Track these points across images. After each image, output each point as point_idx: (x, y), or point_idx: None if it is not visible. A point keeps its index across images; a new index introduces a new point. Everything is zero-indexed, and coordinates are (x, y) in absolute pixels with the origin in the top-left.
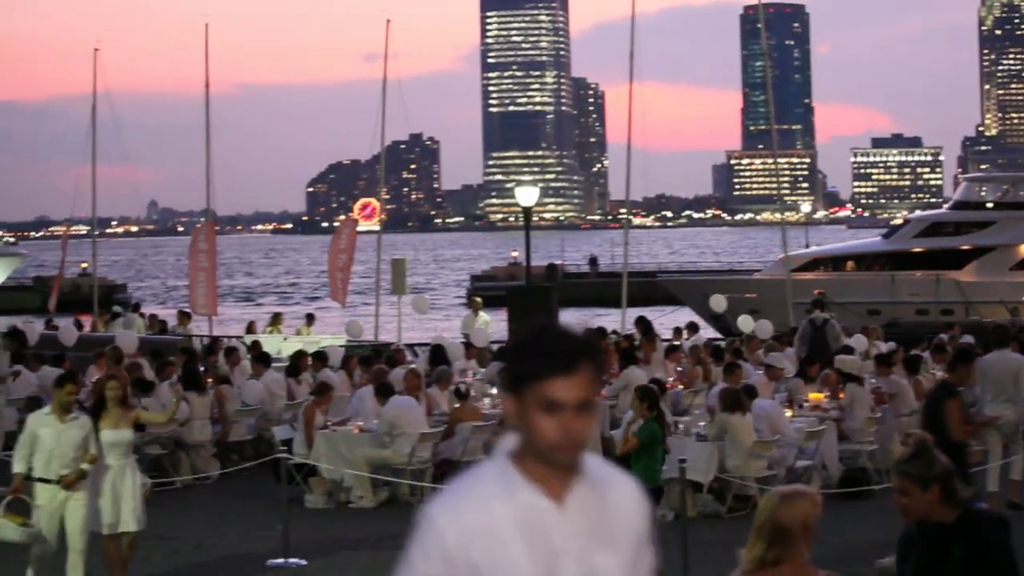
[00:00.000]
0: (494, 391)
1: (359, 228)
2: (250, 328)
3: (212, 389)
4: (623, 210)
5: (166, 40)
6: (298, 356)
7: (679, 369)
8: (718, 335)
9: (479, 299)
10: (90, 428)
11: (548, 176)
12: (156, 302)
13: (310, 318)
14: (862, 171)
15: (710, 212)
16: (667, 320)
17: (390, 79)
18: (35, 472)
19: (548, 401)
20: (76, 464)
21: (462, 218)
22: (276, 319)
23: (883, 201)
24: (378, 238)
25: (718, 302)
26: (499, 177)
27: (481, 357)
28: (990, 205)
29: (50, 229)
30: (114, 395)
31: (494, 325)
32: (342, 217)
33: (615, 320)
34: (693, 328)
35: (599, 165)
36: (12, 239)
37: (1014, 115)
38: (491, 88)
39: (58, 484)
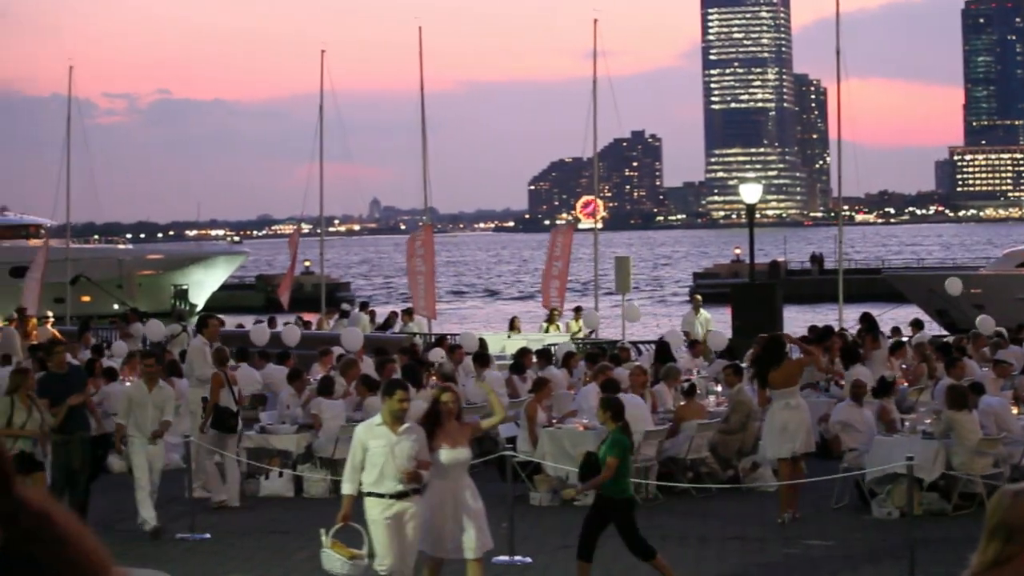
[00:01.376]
0: (719, 388)
1: (581, 226)
2: (513, 324)
3: (435, 387)
4: (845, 207)
5: (389, 39)
6: (522, 353)
7: (904, 366)
8: (943, 331)
9: (699, 297)
10: (424, 439)
11: (770, 173)
12: (381, 301)
13: (578, 311)
14: None
15: (932, 208)
16: (890, 316)
17: (605, 76)
18: (364, 487)
19: None
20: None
21: (684, 215)
22: (513, 323)
23: None
24: (595, 236)
25: (954, 285)
26: (721, 174)
27: (706, 354)
28: None
29: (273, 228)
30: (451, 408)
31: (717, 323)
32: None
33: (837, 318)
34: (917, 325)
35: (821, 162)
36: (237, 238)
37: None
38: (713, 85)
39: (394, 499)
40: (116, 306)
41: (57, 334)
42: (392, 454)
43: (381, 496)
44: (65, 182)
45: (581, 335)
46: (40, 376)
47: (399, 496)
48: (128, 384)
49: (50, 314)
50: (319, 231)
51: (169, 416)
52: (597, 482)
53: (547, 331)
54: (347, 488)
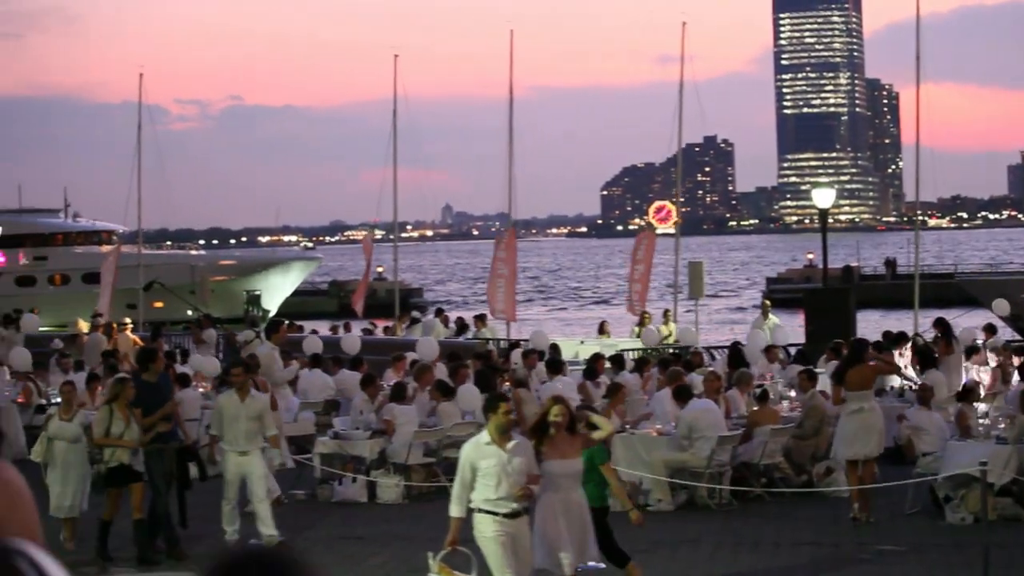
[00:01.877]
0: (792, 393)
1: (656, 231)
2: (602, 328)
3: (510, 392)
4: (919, 212)
5: (463, 46)
6: (595, 359)
7: (980, 370)
8: (1018, 336)
9: (768, 302)
10: (532, 453)
11: (843, 178)
12: (453, 306)
13: (666, 314)
14: None
15: (1005, 213)
16: (963, 321)
17: (676, 82)
18: (476, 504)
19: None
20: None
21: (757, 220)
22: (603, 327)
23: None
24: (676, 241)
25: (1001, 306)
26: (793, 179)
27: (779, 359)
28: None
29: (345, 233)
30: (560, 420)
31: (791, 328)
32: (637, 220)
33: (912, 323)
34: (991, 330)
35: (893, 166)
36: (311, 243)
37: None
38: (785, 90)
39: (508, 518)
40: (190, 312)
41: (138, 340)
42: (505, 472)
43: (495, 514)
44: (136, 188)
45: (672, 339)
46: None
47: (514, 515)
48: (221, 396)
49: (128, 320)
50: (392, 237)
51: (272, 428)
52: (620, 493)
53: (638, 335)
54: (455, 511)
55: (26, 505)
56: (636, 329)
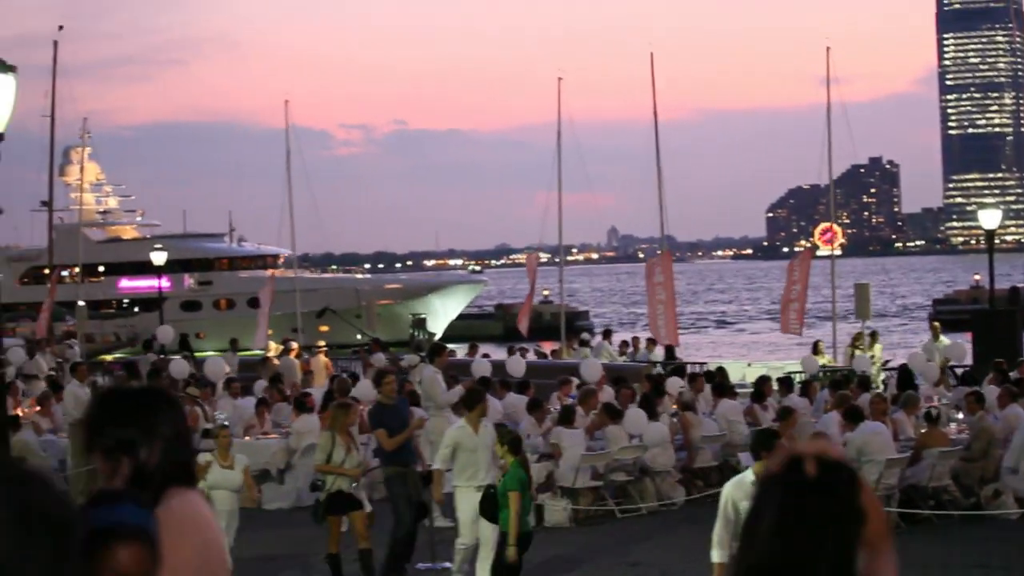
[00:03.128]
0: (960, 416)
1: (819, 253)
2: (816, 348)
3: (677, 415)
4: None
5: (625, 68)
6: (763, 382)
7: None
8: None
9: (937, 324)
10: None
11: (1008, 198)
12: (621, 329)
13: (874, 336)
14: None
15: None
16: None
17: (839, 103)
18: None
19: None
20: None
21: (923, 241)
22: (861, 336)
23: None
24: (832, 263)
25: None
26: (959, 200)
27: (946, 381)
28: None
29: (510, 257)
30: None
31: (960, 349)
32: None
33: None
34: None
35: None
36: (478, 267)
37: None
38: (950, 110)
39: None
40: (358, 336)
41: (330, 364)
42: None
43: None
44: (288, 212)
45: (879, 362)
46: (372, 407)
47: None
48: (457, 427)
49: (322, 343)
50: (556, 260)
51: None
52: (514, 520)
53: (852, 356)
54: (717, 556)
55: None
56: (849, 351)
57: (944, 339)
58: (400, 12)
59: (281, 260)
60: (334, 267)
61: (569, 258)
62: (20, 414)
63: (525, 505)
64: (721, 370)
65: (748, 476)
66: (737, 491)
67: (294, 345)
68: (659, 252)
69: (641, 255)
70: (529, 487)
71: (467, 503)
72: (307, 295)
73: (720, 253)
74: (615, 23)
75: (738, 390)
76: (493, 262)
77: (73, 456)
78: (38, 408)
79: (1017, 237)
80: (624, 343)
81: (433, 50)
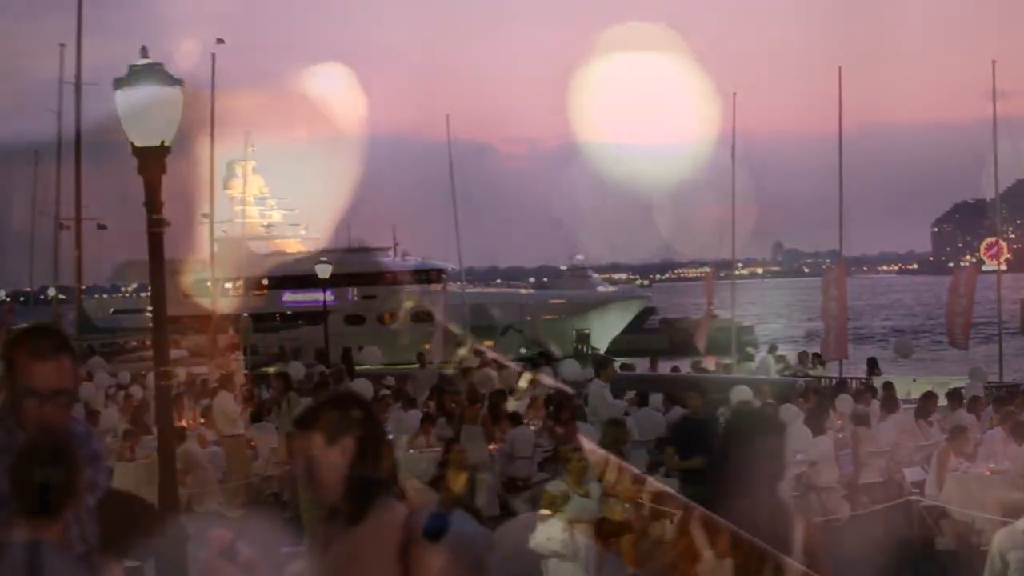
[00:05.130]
0: None
1: (986, 268)
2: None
3: (845, 430)
4: None
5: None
6: (928, 397)
7: None
8: None
9: None
10: None
11: None
12: (788, 343)
13: None
14: None
15: None
16: None
17: (1005, 117)
18: None
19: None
20: None
21: None
22: None
23: None
24: (998, 277)
25: None
26: None
27: None
28: None
29: (675, 271)
30: None
31: None
32: (968, 257)
33: None
34: None
35: None
36: (646, 282)
37: None
38: None
39: None
40: (523, 350)
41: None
42: None
43: None
44: (454, 226)
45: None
46: (677, 422)
47: None
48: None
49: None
50: (722, 274)
51: None
52: None
53: None
54: None
55: None
56: None
57: None
58: (569, 25)
59: (446, 274)
60: (498, 281)
61: (735, 272)
62: (185, 425)
63: None
64: (888, 385)
65: (1020, 525)
66: (1007, 541)
67: (488, 357)
68: (825, 265)
69: (806, 269)
70: None
71: None
72: (474, 309)
73: (885, 268)
74: (794, 36)
75: (904, 406)
76: (658, 276)
77: (227, 468)
78: (203, 420)
79: None
80: (803, 354)
81: (598, 65)
